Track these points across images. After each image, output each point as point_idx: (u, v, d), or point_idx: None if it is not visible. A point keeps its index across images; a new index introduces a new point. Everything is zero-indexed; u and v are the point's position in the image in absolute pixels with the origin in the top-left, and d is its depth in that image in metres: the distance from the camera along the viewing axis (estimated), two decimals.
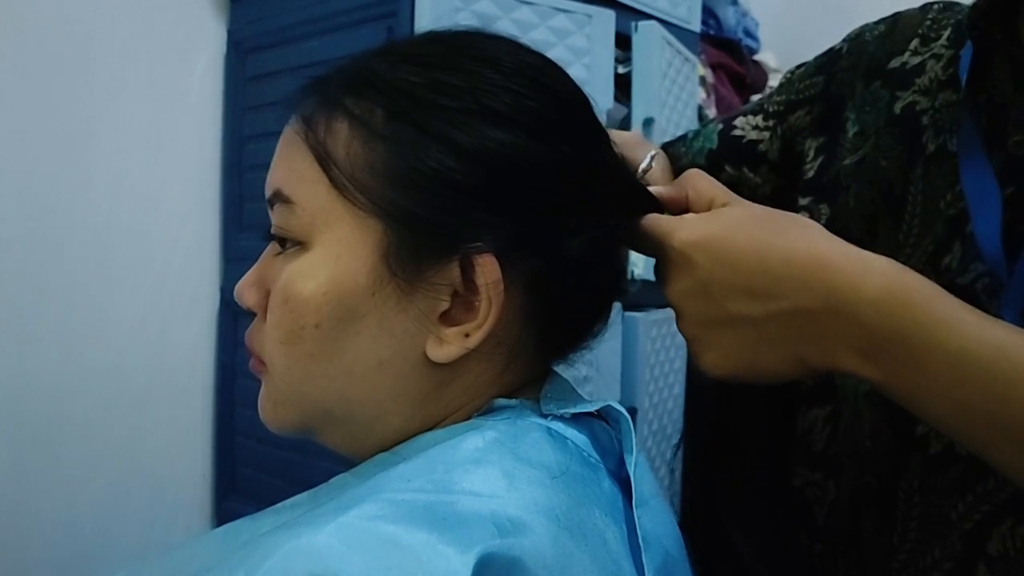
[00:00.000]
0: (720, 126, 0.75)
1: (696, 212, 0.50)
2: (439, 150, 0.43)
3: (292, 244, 0.46)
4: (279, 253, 0.47)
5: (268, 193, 0.47)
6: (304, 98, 0.47)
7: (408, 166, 0.43)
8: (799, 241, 0.45)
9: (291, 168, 0.46)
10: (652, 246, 0.49)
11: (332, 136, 0.45)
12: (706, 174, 0.52)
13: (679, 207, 0.51)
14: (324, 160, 0.45)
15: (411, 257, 0.43)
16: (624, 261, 0.51)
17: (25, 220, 1.24)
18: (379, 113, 0.44)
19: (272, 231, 0.47)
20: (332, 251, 0.44)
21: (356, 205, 0.44)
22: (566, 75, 0.49)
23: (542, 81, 0.46)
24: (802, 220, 0.48)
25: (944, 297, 0.44)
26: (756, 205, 0.49)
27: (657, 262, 0.50)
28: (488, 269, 0.43)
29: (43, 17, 1.25)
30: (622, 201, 0.49)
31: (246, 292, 0.49)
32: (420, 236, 0.43)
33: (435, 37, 0.50)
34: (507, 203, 0.44)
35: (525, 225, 0.44)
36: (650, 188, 0.52)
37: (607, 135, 0.50)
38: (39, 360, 1.26)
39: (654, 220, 0.49)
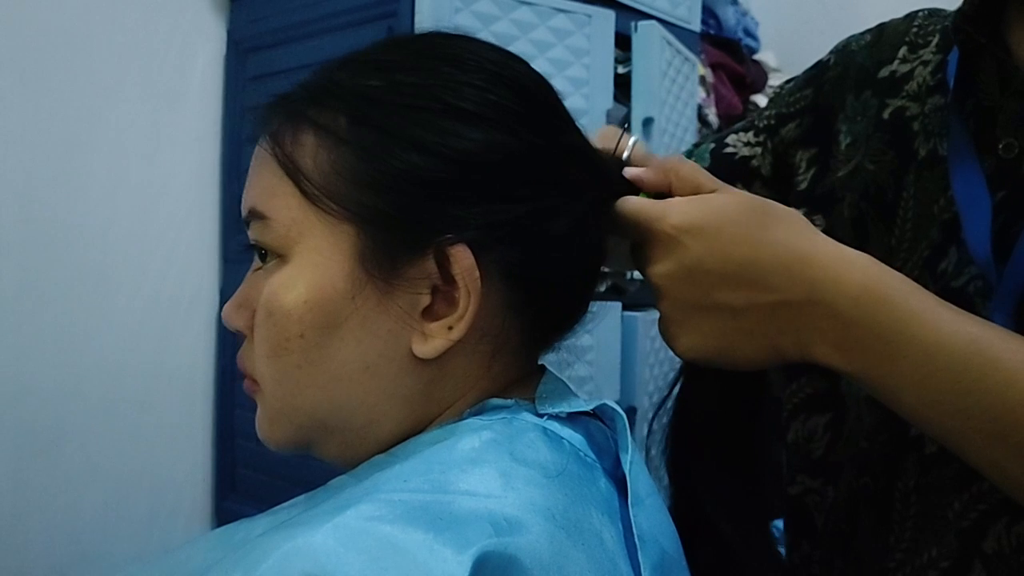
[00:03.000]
0: (712, 145, 0.75)
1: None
2: (403, 149, 0.43)
3: (271, 258, 0.46)
4: (259, 267, 0.48)
5: (244, 212, 0.48)
6: (270, 115, 0.48)
7: (374, 168, 0.44)
8: (786, 236, 0.46)
9: (262, 185, 0.47)
10: (634, 229, 0.49)
11: (299, 148, 0.45)
12: (689, 160, 0.52)
13: (661, 192, 0.51)
14: (293, 172, 0.45)
15: (386, 256, 0.44)
16: (603, 245, 0.51)
17: (24, 221, 1.24)
18: (342, 120, 0.45)
19: (251, 242, 0.48)
20: (309, 260, 0.45)
21: (328, 213, 0.44)
22: (529, 67, 0.49)
23: (504, 75, 0.47)
24: (786, 213, 0.48)
25: (920, 293, 0.45)
26: (742, 193, 0.49)
27: (635, 244, 0.50)
28: (462, 259, 0.43)
29: (42, 17, 1.25)
30: (593, 184, 0.49)
31: (232, 315, 0.49)
32: (392, 235, 0.44)
33: (395, 42, 0.51)
34: (475, 194, 0.44)
35: (495, 214, 0.44)
36: (630, 171, 0.52)
37: (574, 123, 0.51)
38: (39, 362, 1.27)
39: (639, 203, 0.50)
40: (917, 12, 0.66)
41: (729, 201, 0.48)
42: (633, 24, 1.44)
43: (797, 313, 0.46)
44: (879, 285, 0.45)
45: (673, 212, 0.48)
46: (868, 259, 0.46)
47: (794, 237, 0.46)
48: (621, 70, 1.46)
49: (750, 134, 0.72)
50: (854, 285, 0.44)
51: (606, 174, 0.51)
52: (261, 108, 0.48)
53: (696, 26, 1.71)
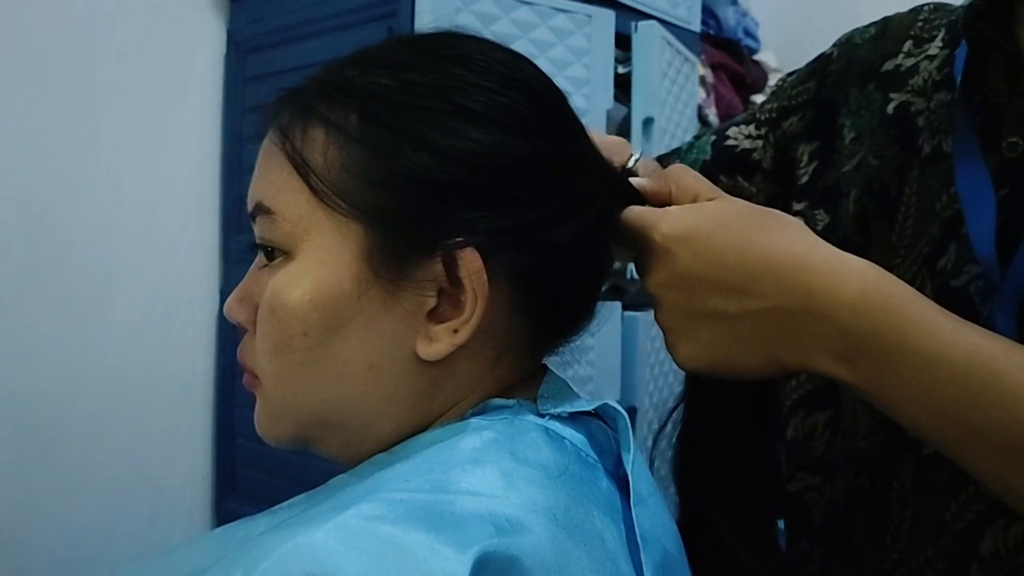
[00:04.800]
0: (713, 137, 0.75)
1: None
2: (414, 150, 0.43)
3: (277, 254, 0.46)
4: (264, 266, 0.47)
5: (250, 206, 0.47)
6: (280, 109, 0.47)
7: (385, 168, 0.43)
8: (779, 241, 0.46)
9: (270, 179, 0.46)
10: (634, 237, 0.49)
11: (309, 144, 0.45)
12: (691, 170, 0.52)
13: (661, 201, 0.51)
14: (302, 168, 0.45)
15: (394, 257, 0.44)
16: (609, 252, 0.51)
17: (25, 221, 1.24)
18: (354, 118, 0.45)
19: (257, 242, 0.47)
20: (315, 258, 0.44)
21: (336, 210, 0.44)
22: (538, 69, 0.49)
23: (514, 76, 0.46)
24: (784, 219, 0.48)
25: (921, 301, 0.44)
26: (740, 201, 0.49)
27: (638, 254, 0.50)
28: (470, 263, 0.43)
29: (43, 17, 1.25)
30: (601, 191, 0.49)
31: (235, 309, 0.49)
32: (401, 236, 0.43)
33: (405, 40, 0.50)
34: (485, 198, 0.44)
35: (505, 218, 0.44)
36: (636, 180, 0.52)
37: (583, 127, 0.50)
38: (40, 361, 1.27)
39: (637, 212, 0.49)
40: (923, 6, 0.65)
41: (722, 208, 0.48)
42: (633, 24, 1.44)
43: (792, 321, 0.44)
44: (878, 293, 0.43)
45: (664, 221, 0.48)
46: (866, 265, 0.45)
47: (788, 243, 0.45)
48: (621, 70, 1.46)
49: (751, 127, 0.72)
50: (852, 293, 0.43)
51: (614, 182, 0.51)
52: (270, 101, 0.48)
53: (696, 26, 1.71)
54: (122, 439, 1.38)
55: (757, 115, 0.72)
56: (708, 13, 1.93)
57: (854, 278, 0.44)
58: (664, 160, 0.78)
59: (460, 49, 0.47)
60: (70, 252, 1.30)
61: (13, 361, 1.23)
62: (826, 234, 0.63)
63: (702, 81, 1.83)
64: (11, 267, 1.23)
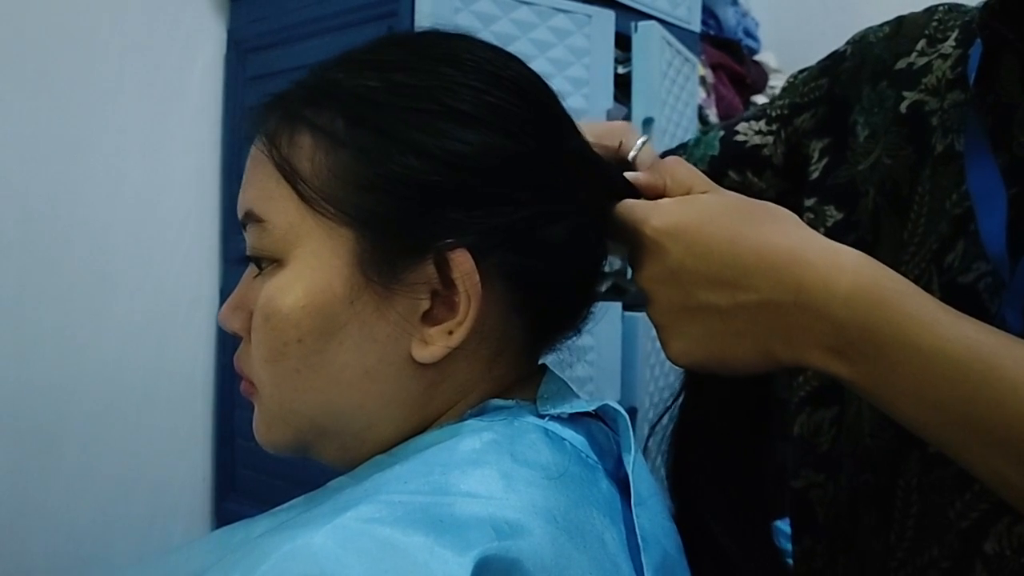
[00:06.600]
0: (722, 132, 0.74)
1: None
2: (402, 152, 0.43)
3: (268, 263, 0.46)
4: (258, 274, 0.47)
5: (240, 215, 0.47)
6: (266, 115, 0.47)
7: (373, 171, 0.43)
8: (772, 234, 0.45)
9: (259, 187, 0.46)
10: (627, 232, 0.49)
11: (296, 150, 0.45)
12: (685, 162, 0.51)
13: (656, 194, 0.50)
14: (290, 175, 0.44)
15: (385, 261, 0.43)
16: (603, 248, 0.51)
17: (25, 221, 1.24)
18: (340, 122, 0.44)
19: (248, 253, 0.47)
20: (307, 264, 0.44)
21: (326, 216, 0.44)
22: (526, 67, 0.49)
23: (501, 75, 0.46)
24: (777, 212, 0.47)
25: (917, 295, 0.43)
26: (733, 194, 0.48)
27: (631, 249, 0.50)
28: (462, 264, 0.43)
29: (43, 17, 1.25)
30: (594, 188, 0.49)
31: (229, 317, 0.49)
32: (391, 239, 0.43)
33: (392, 41, 0.50)
34: (476, 199, 0.44)
35: (496, 218, 0.44)
36: (627, 174, 0.51)
37: (574, 125, 0.50)
38: (40, 361, 1.26)
39: (629, 206, 0.49)
40: (937, 6, 0.65)
41: (713, 201, 0.47)
42: (633, 24, 1.44)
43: (785, 315, 0.44)
44: (872, 286, 0.42)
45: (655, 214, 0.47)
46: (861, 258, 0.44)
47: (780, 236, 0.45)
48: (621, 70, 1.46)
49: (762, 122, 0.72)
50: (846, 285, 0.42)
51: (607, 178, 0.51)
52: (257, 107, 0.48)
53: (696, 26, 1.71)
54: (122, 439, 1.38)
55: (768, 111, 0.72)
56: (708, 13, 1.93)
57: (848, 271, 0.43)
58: (671, 155, 0.78)
59: (448, 49, 0.47)
60: (70, 252, 1.30)
61: (13, 361, 1.23)
62: (839, 231, 0.63)
63: (702, 81, 1.82)
64: (11, 267, 1.23)
